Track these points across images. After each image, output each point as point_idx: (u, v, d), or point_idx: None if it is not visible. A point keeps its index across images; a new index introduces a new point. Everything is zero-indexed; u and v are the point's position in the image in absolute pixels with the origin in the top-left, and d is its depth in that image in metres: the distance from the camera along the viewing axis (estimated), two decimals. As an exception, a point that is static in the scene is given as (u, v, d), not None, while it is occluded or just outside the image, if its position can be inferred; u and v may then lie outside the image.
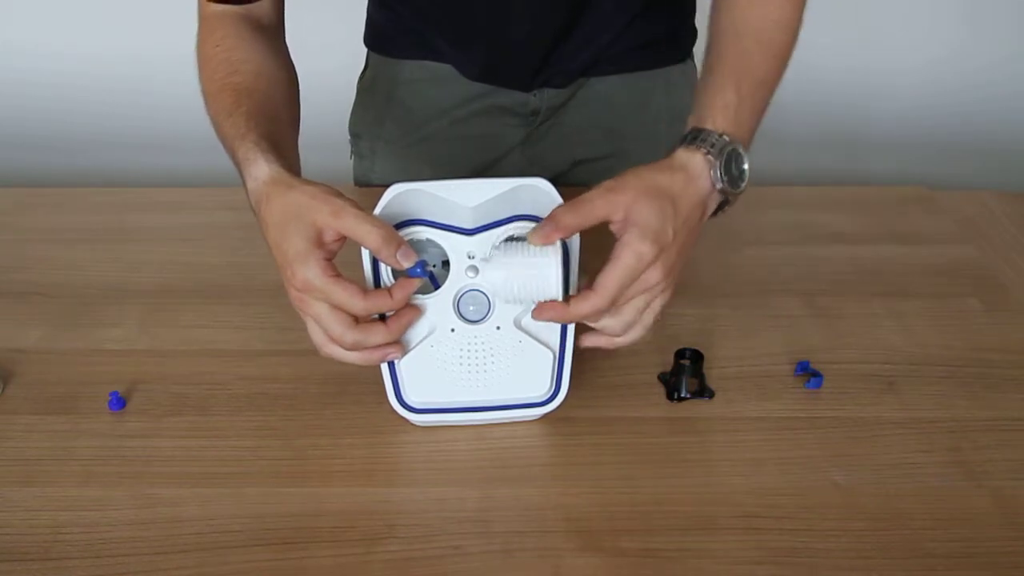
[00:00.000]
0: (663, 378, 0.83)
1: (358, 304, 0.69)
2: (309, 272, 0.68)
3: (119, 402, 0.80)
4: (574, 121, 1.11)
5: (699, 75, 0.82)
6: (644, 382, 0.83)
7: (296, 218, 0.69)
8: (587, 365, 0.84)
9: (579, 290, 0.71)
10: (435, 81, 1.09)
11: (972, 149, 2.00)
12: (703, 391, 0.81)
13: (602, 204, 0.69)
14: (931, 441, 0.77)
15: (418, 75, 1.10)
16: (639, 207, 0.69)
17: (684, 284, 0.95)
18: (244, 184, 0.75)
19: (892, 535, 0.69)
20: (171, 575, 0.65)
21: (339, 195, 0.70)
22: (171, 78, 1.93)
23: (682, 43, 1.13)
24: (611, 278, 0.69)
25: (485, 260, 0.73)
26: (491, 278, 0.72)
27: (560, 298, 0.70)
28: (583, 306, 0.69)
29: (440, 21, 1.04)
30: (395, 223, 0.75)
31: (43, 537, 0.68)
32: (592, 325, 0.73)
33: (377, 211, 0.74)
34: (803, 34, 0.83)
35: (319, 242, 0.69)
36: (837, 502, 0.71)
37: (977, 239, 1.04)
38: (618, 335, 0.73)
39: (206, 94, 0.84)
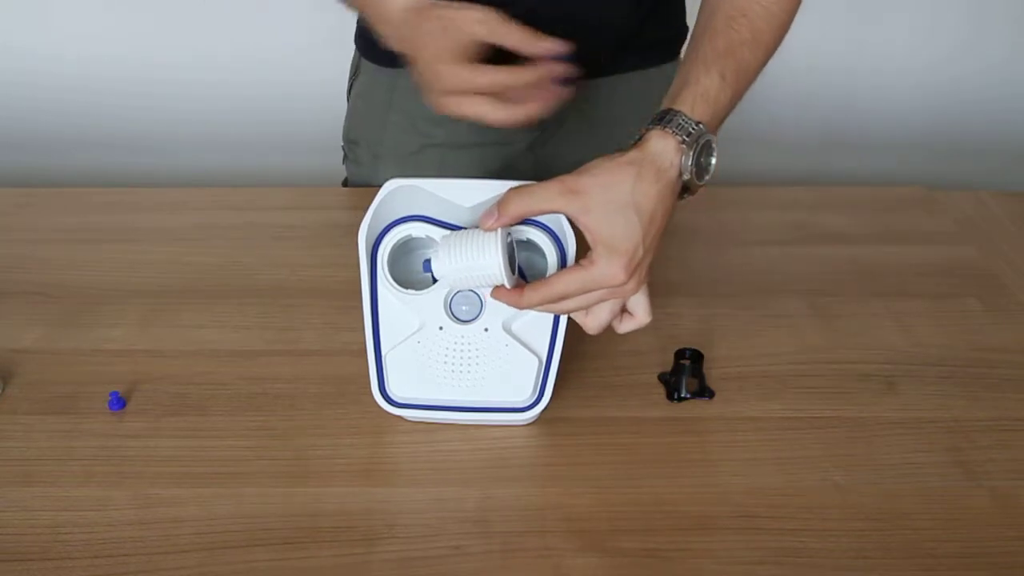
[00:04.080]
0: (663, 378, 0.83)
1: (504, 77, 0.74)
2: (456, 70, 0.73)
3: (119, 402, 0.80)
4: (577, 123, 1.10)
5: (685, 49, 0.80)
6: (644, 382, 0.83)
7: (445, 22, 0.73)
8: (587, 365, 0.84)
9: None
10: None
11: (972, 149, 2.00)
12: (703, 391, 0.81)
13: (558, 202, 0.69)
14: (931, 441, 0.77)
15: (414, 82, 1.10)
16: (606, 222, 0.67)
17: (684, 284, 0.96)
18: None
19: (892, 535, 0.69)
20: (171, 575, 0.66)
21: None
22: (171, 78, 1.94)
23: (682, 40, 1.13)
24: (567, 280, 0.69)
25: (435, 253, 0.72)
26: (441, 273, 0.72)
27: (509, 284, 0.70)
28: (533, 297, 0.70)
29: None
30: (393, 219, 0.75)
31: (43, 537, 0.68)
32: (577, 320, 0.74)
33: (373, 206, 0.74)
34: (803, 35, 0.82)
35: (464, 45, 0.73)
36: (837, 502, 0.71)
37: (977, 239, 1.04)
38: (594, 329, 0.73)
39: None
